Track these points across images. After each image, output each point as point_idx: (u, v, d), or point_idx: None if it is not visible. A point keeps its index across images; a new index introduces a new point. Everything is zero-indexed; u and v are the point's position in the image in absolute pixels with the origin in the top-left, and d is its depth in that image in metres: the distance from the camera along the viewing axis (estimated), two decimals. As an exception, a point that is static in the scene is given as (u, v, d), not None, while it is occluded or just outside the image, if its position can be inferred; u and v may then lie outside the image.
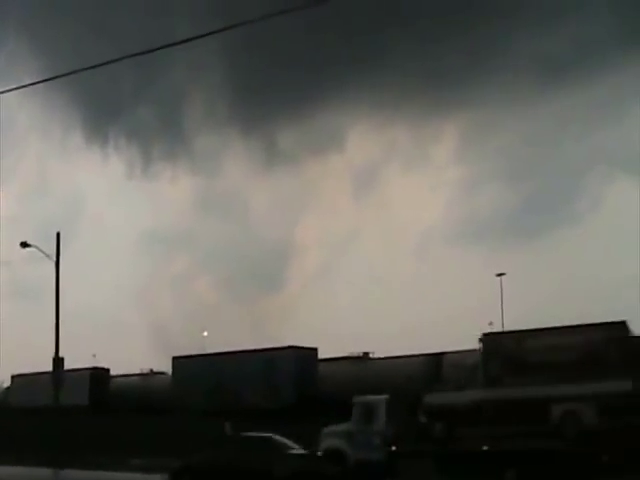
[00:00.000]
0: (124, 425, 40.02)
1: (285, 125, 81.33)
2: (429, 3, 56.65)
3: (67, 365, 39.67)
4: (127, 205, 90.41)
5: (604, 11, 58.67)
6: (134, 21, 63.66)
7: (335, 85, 67.61)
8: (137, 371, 53.62)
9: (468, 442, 24.87)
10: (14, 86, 18.08)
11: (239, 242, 79.74)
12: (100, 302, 79.36)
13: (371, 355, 43.54)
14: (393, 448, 25.18)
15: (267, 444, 24.47)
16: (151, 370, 53.03)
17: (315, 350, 42.14)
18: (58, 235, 39.69)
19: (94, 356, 61.14)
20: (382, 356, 42.62)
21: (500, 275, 55.48)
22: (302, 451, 24.68)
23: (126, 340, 76.08)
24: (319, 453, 25.99)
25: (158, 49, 14.43)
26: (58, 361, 38.75)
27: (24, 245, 38.86)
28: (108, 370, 52.94)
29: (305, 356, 41.55)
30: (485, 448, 23.90)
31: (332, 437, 26.95)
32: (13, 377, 56.06)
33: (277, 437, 25.06)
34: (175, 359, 46.81)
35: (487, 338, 26.40)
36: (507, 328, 42.44)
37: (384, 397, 26.70)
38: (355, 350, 43.58)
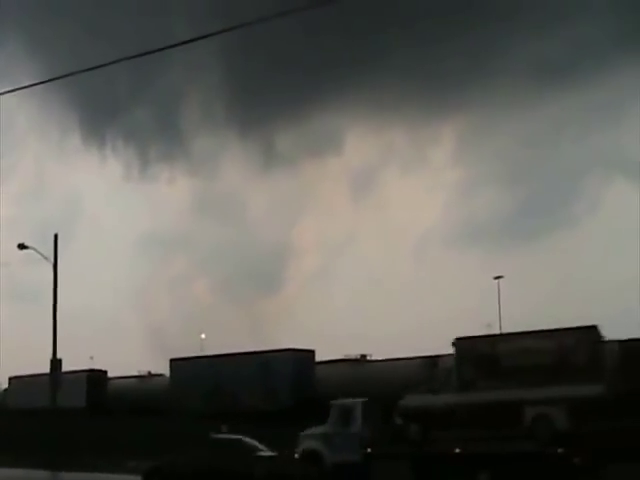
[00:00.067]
0: (121, 427, 39.97)
1: (283, 127, 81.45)
2: (428, 5, 56.76)
3: (65, 367, 39.67)
4: (125, 207, 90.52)
5: (602, 14, 58.90)
6: (131, 22, 63.71)
7: (333, 87, 67.77)
8: (135, 373, 53.65)
9: (442, 444, 25.10)
10: (11, 88, 18.03)
11: (237, 244, 79.81)
12: (98, 304, 79.39)
13: (369, 357, 43.59)
14: (368, 450, 25.47)
15: (236, 446, 24.90)
16: (149, 372, 53.04)
17: (313, 352, 42.19)
18: (56, 237, 39.68)
19: (92, 358, 61.18)
20: (380, 358, 42.67)
21: (497, 278, 55.51)
22: (271, 453, 25.04)
23: (124, 342, 76.05)
24: (296, 455, 26.40)
25: (155, 51, 14.43)
26: (56, 363, 38.72)
27: (22, 247, 38.84)
28: (105, 372, 52.95)
29: (303, 358, 41.58)
30: (458, 450, 24.13)
31: (310, 439, 27.33)
32: (10, 379, 56.05)
33: (247, 439, 25.50)
34: (173, 361, 46.82)
35: (461, 342, 26.56)
36: (505, 330, 42.43)
37: (360, 400, 27.13)
38: (353, 352, 43.67)
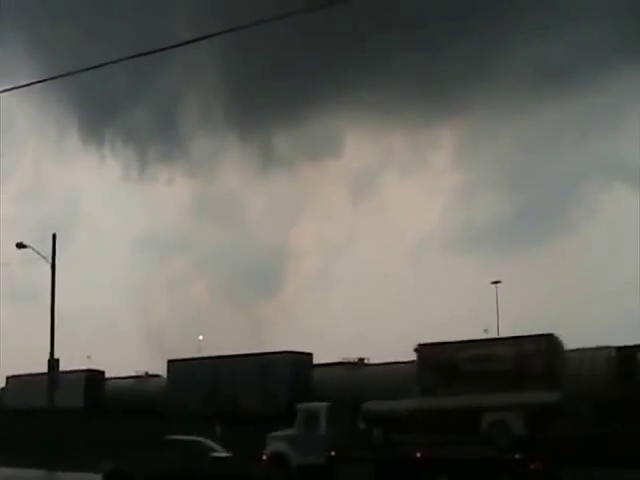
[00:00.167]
0: (118, 427, 39.92)
1: (282, 129, 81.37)
2: (427, 9, 56.74)
3: (62, 367, 39.71)
4: (123, 207, 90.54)
5: (603, 19, 58.89)
6: (131, 22, 63.66)
7: (332, 90, 67.71)
8: (132, 373, 53.55)
9: (404, 448, 25.44)
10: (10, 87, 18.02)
11: (235, 246, 79.89)
12: (96, 304, 79.40)
13: (366, 361, 43.51)
14: (332, 453, 26.00)
15: (192, 447, 25.63)
16: (146, 373, 52.88)
17: (310, 355, 42.11)
18: (54, 237, 39.69)
19: (89, 358, 61.22)
20: (377, 362, 42.59)
21: (495, 283, 55.51)
22: (225, 454, 25.80)
23: (121, 342, 75.99)
24: (264, 457, 27.32)
25: (155, 52, 14.43)
26: (53, 362, 38.73)
27: (20, 246, 38.84)
28: (103, 372, 52.85)
29: (300, 361, 41.51)
30: (418, 455, 24.42)
31: (277, 441, 27.95)
32: (8, 378, 55.95)
33: (205, 440, 26.36)
34: (170, 362, 46.71)
35: (422, 348, 27.05)
36: (503, 335, 42.42)
37: (325, 404, 27.64)
38: (350, 356, 43.58)
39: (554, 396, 23.25)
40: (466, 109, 70.33)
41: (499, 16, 58.14)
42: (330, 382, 39.79)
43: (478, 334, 46.65)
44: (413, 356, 36.19)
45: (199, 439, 26.33)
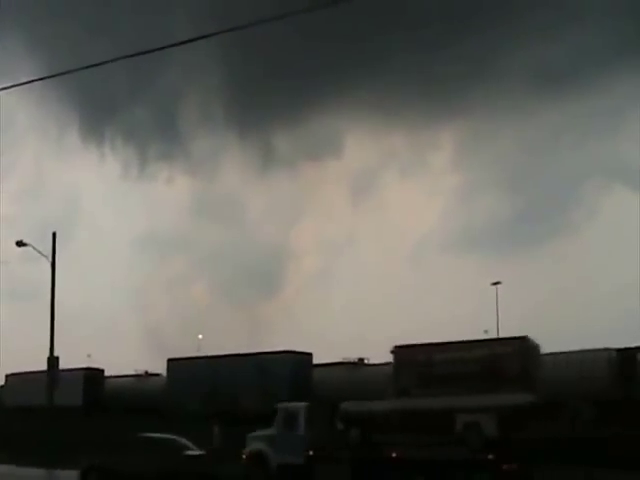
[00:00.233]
0: (117, 426, 39.89)
1: (282, 129, 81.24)
2: (428, 10, 56.70)
3: (61, 365, 39.66)
4: (123, 206, 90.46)
5: (604, 20, 58.86)
6: (131, 20, 63.66)
7: (333, 90, 67.66)
8: (132, 372, 53.56)
9: (380, 449, 25.59)
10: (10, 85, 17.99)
11: (235, 245, 79.79)
12: (96, 302, 79.48)
13: (366, 361, 43.50)
14: (311, 453, 26.15)
15: (166, 445, 25.92)
16: (146, 372, 52.91)
17: (310, 355, 42.11)
18: (54, 235, 39.68)
19: (89, 356, 61.22)
20: (377, 362, 42.57)
21: (495, 284, 55.46)
22: (199, 452, 26.00)
23: (121, 341, 75.88)
24: (244, 455, 27.53)
25: (155, 50, 14.40)
26: (53, 360, 38.72)
27: (20, 244, 38.85)
28: (102, 371, 52.91)
29: (300, 361, 41.51)
30: (394, 455, 24.58)
31: (256, 440, 28.04)
32: (7, 376, 55.98)
33: (179, 439, 26.53)
34: (170, 361, 46.73)
35: (398, 350, 27.30)
36: (502, 336, 42.39)
37: (304, 404, 27.84)
38: (350, 356, 43.57)
39: (528, 398, 23.40)
40: (466, 110, 70.29)
41: (500, 17, 58.22)
42: (330, 382, 39.81)
43: (478, 335, 46.53)
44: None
45: (173, 437, 26.57)
